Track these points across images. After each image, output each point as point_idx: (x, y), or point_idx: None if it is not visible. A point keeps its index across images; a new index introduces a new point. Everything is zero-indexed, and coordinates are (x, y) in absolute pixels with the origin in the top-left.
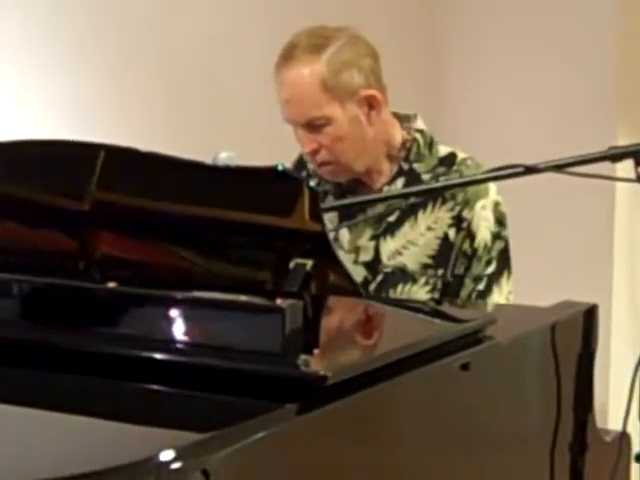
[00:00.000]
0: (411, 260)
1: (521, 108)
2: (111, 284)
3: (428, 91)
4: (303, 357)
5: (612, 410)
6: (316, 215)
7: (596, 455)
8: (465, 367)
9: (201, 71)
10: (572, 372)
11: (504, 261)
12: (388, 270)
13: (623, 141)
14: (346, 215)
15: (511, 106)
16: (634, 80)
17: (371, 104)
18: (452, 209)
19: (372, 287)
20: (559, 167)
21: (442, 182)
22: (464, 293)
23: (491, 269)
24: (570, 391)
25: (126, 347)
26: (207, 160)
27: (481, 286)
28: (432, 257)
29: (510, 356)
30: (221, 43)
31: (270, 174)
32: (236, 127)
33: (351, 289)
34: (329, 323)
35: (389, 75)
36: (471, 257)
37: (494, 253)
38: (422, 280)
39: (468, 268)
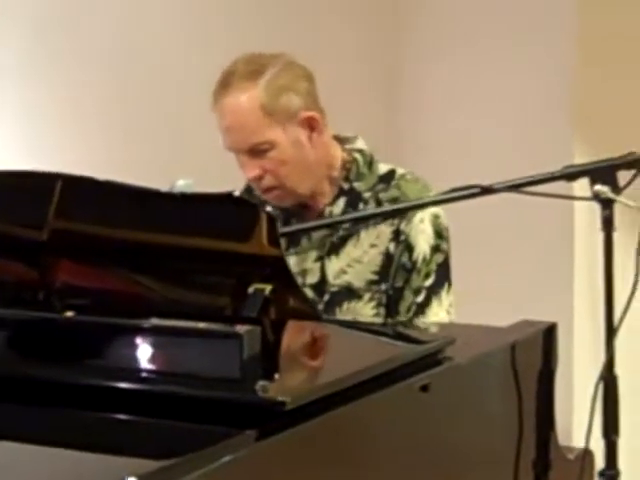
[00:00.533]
0: (356, 278)
1: (477, 127)
2: (69, 313)
3: (384, 112)
4: (261, 383)
5: (576, 428)
6: (274, 240)
7: (559, 473)
8: (425, 388)
9: (159, 97)
10: (533, 391)
11: (444, 274)
12: (334, 289)
13: (580, 159)
14: (291, 240)
15: (467, 124)
16: (591, 98)
17: (312, 126)
18: (392, 224)
19: (320, 307)
20: (515, 187)
21: (396, 205)
22: (403, 306)
23: (430, 281)
24: (531, 410)
25: (86, 376)
26: (165, 187)
27: (420, 298)
28: (376, 273)
29: (470, 376)
30: (180, 69)
31: (227, 200)
32: (194, 154)
33: (310, 313)
34: (288, 347)
35: (346, 85)
36: (410, 270)
37: (433, 266)
38: (367, 296)
39: (407, 281)
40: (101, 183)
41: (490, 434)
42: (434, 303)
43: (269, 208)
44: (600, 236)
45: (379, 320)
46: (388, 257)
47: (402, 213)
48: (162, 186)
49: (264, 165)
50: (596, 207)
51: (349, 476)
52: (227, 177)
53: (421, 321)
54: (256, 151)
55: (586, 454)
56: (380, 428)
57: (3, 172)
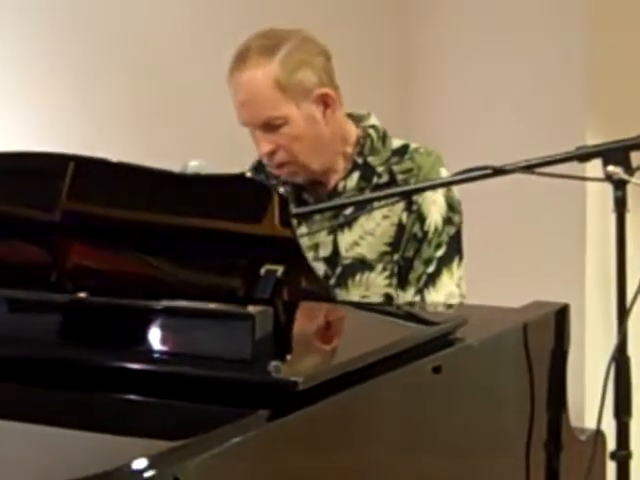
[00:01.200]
0: (369, 250)
1: (489, 109)
2: (82, 294)
3: (398, 94)
4: (274, 363)
5: (588, 409)
6: (286, 221)
7: (571, 454)
8: (437, 370)
9: (171, 79)
10: (545, 372)
11: (455, 246)
12: (347, 262)
13: (592, 141)
14: (302, 215)
15: (479, 107)
16: (603, 79)
17: (326, 102)
18: (406, 196)
19: (332, 281)
20: (527, 168)
21: (411, 185)
22: (413, 276)
23: (441, 252)
24: (543, 391)
25: (96, 356)
26: (177, 169)
27: (431, 269)
28: (389, 244)
29: (482, 357)
30: (193, 52)
31: (239, 181)
32: (207, 135)
33: (322, 294)
34: (300, 329)
35: (359, 77)
36: (421, 240)
37: (445, 237)
38: (379, 267)
39: (418, 251)
40: (114, 164)
41: (502, 415)
42: (445, 274)
43: (282, 185)
44: (612, 217)
45: (392, 291)
46: (400, 227)
47: (415, 194)
48: (174, 167)
49: (277, 140)
50: (609, 188)
51: (361, 457)
52: (239, 158)
53: (433, 301)
54: (270, 126)
55: (598, 435)
56: (392, 409)
57: (16, 153)
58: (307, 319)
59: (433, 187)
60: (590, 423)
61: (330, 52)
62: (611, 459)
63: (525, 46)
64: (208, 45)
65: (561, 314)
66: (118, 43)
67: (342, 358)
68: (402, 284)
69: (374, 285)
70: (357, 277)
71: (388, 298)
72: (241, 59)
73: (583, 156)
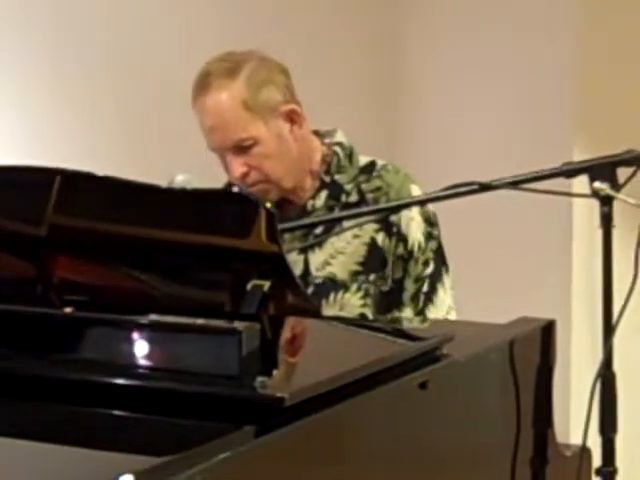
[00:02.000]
0: (340, 269)
1: (476, 125)
2: (68, 309)
3: (382, 110)
4: (260, 379)
5: (573, 425)
6: (273, 236)
7: (557, 470)
8: (423, 385)
9: (157, 93)
10: (531, 387)
11: (440, 258)
12: (318, 281)
13: (579, 157)
14: None
15: (466, 123)
16: (590, 96)
17: (292, 119)
18: (376, 214)
19: None
20: (514, 184)
21: (392, 202)
22: (406, 296)
23: (430, 269)
24: (529, 406)
25: (83, 372)
26: (164, 183)
27: (425, 287)
28: (361, 264)
29: (468, 373)
30: (178, 66)
31: (226, 196)
32: (193, 149)
33: (309, 309)
34: (287, 344)
35: (342, 93)
36: (407, 260)
37: (429, 253)
38: (354, 287)
39: (406, 270)
40: (100, 178)
41: (488, 431)
42: (439, 290)
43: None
44: (599, 233)
45: (367, 311)
46: (374, 247)
47: (397, 211)
48: (161, 181)
49: (249, 161)
50: (595, 204)
51: (347, 473)
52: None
53: (425, 315)
54: (241, 148)
55: (584, 451)
56: (379, 425)
57: (3, 167)
58: (294, 335)
59: (417, 204)
60: (575, 439)
61: (288, 69)
62: (596, 475)
63: (512, 61)
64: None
65: (547, 330)
66: (107, 51)
67: (329, 374)
68: (397, 305)
69: (349, 305)
70: (331, 297)
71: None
72: (204, 84)
73: (570, 172)
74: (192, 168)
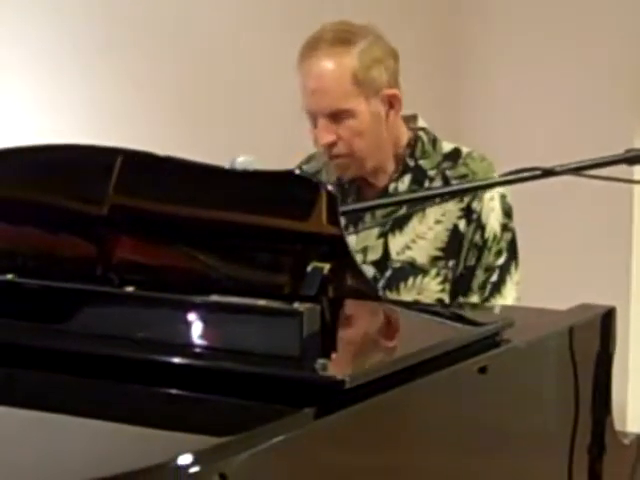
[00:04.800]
0: (420, 254)
1: (538, 111)
2: (129, 288)
3: (447, 95)
4: (321, 361)
5: (631, 412)
6: (334, 218)
7: (614, 457)
8: (483, 370)
9: (219, 74)
10: (590, 375)
11: (513, 252)
12: (397, 265)
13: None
14: (352, 219)
15: (528, 109)
16: None
17: (392, 103)
18: (461, 201)
19: (381, 284)
20: (576, 170)
21: (460, 185)
22: (475, 284)
23: (502, 260)
24: (588, 394)
25: (144, 351)
26: (225, 164)
27: (494, 277)
28: (442, 249)
29: (528, 359)
30: (240, 46)
31: (288, 178)
32: (255, 130)
33: (369, 292)
34: (347, 327)
35: (408, 78)
36: (482, 248)
37: (503, 244)
38: (433, 272)
39: (479, 259)
40: (161, 159)
41: (546, 417)
42: (507, 281)
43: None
44: None
45: (445, 296)
46: (457, 234)
47: (467, 193)
48: (223, 162)
49: (340, 132)
50: None
51: (406, 456)
52: (288, 154)
53: (480, 303)
54: (336, 117)
55: None
56: (438, 408)
57: (65, 146)
58: (354, 317)
59: (482, 187)
60: (633, 427)
61: (399, 54)
62: None
63: (574, 49)
64: (261, 40)
65: (607, 317)
66: (169, 31)
67: (389, 357)
68: (464, 291)
69: (427, 290)
70: (409, 281)
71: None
72: (316, 47)
73: (632, 159)
74: (254, 149)
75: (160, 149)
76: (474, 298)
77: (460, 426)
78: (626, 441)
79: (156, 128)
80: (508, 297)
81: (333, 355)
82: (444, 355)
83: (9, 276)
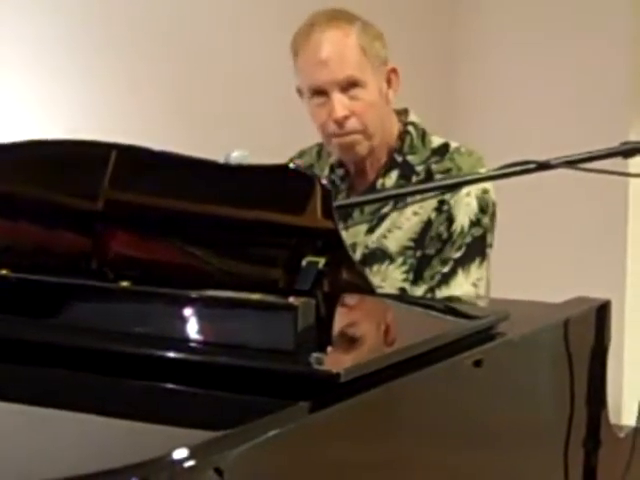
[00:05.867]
0: (393, 243)
1: (533, 105)
2: (124, 283)
3: (441, 89)
4: (316, 355)
5: (626, 405)
6: (328, 213)
7: (609, 451)
8: (478, 363)
9: (213, 69)
10: (585, 368)
11: (479, 247)
12: (367, 251)
13: (635, 136)
14: (341, 215)
15: (523, 103)
16: None
17: (390, 80)
18: (439, 194)
19: None
20: (571, 163)
21: (450, 179)
22: (428, 273)
23: (459, 254)
24: (583, 387)
25: (139, 346)
26: (219, 158)
27: (446, 269)
28: (413, 240)
29: (522, 352)
30: (233, 43)
31: (282, 172)
32: (249, 125)
33: (364, 286)
34: (342, 321)
35: (403, 74)
36: (446, 241)
37: (468, 239)
38: (399, 260)
39: (440, 251)
40: (156, 153)
41: (541, 410)
42: (460, 275)
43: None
44: None
45: (408, 285)
46: (428, 225)
47: (456, 188)
48: (217, 157)
49: (353, 107)
50: None
51: (401, 450)
52: (282, 148)
53: (475, 297)
54: (347, 86)
55: (637, 432)
56: (433, 402)
57: (59, 141)
58: (348, 311)
59: (474, 181)
60: (628, 420)
61: None
62: None
63: (570, 42)
64: (255, 37)
65: (602, 310)
66: (167, 38)
67: (384, 351)
68: (415, 280)
69: (390, 278)
70: (375, 267)
71: (402, 292)
72: (315, 24)
73: (627, 152)
74: (248, 143)
75: (155, 144)
76: (422, 287)
77: (455, 419)
78: (621, 434)
79: (153, 126)
80: (456, 291)
81: (328, 349)
82: (439, 348)
83: (3, 271)
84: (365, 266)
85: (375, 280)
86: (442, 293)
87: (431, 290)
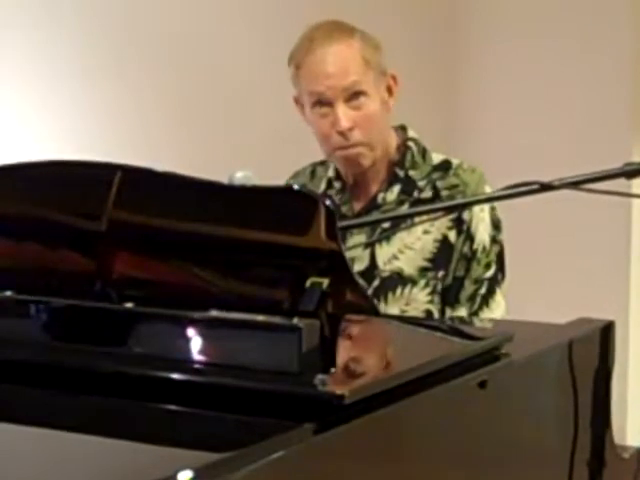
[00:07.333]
0: (408, 264)
1: (535, 124)
2: (128, 304)
3: (443, 104)
4: (320, 376)
5: (630, 426)
6: (332, 233)
7: (614, 472)
8: (482, 385)
9: (218, 90)
10: (589, 389)
11: (500, 264)
12: (385, 274)
13: (639, 157)
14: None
15: (525, 121)
16: None
17: (390, 88)
18: (451, 212)
19: (369, 292)
20: (575, 184)
21: (456, 200)
22: (463, 295)
23: (491, 272)
24: (587, 408)
25: (143, 367)
26: (223, 180)
27: (483, 290)
28: (430, 260)
29: (527, 373)
30: (239, 62)
31: (286, 193)
32: (253, 146)
33: (368, 307)
34: (346, 342)
35: (403, 84)
36: (470, 259)
37: (492, 256)
38: (422, 282)
39: (468, 270)
40: (160, 174)
41: (546, 431)
42: (497, 295)
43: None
44: None
45: (433, 307)
46: (445, 245)
47: (461, 209)
48: (221, 178)
49: (356, 118)
50: None
51: (406, 471)
52: (286, 169)
53: (478, 317)
54: (353, 95)
55: None
56: (438, 423)
57: (63, 162)
58: (353, 333)
59: (478, 202)
60: (632, 441)
61: None
62: None
63: (572, 62)
64: (262, 57)
65: (606, 331)
66: (168, 47)
67: (388, 372)
68: (452, 303)
69: (415, 300)
70: (397, 291)
71: (428, 314)
72: (320, 36)
73: (630, 173)
74: (251, 164)
75: (158, 156)
76: (462, 310)
77: (460, 441)
78: (626, 455)
79: (155, 140)
80: (496, 310)
81: (332, 370)
82: (444, 370)
83: (7, 293)
84: (385, 291)
85: (398, 304)
86: (485, 314)
87: (475, 314)
